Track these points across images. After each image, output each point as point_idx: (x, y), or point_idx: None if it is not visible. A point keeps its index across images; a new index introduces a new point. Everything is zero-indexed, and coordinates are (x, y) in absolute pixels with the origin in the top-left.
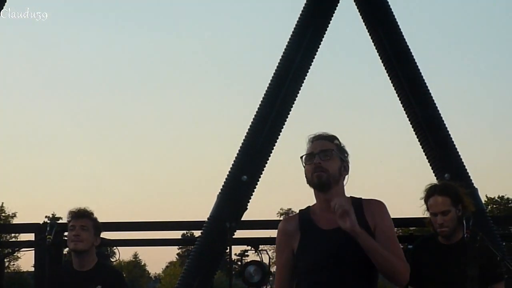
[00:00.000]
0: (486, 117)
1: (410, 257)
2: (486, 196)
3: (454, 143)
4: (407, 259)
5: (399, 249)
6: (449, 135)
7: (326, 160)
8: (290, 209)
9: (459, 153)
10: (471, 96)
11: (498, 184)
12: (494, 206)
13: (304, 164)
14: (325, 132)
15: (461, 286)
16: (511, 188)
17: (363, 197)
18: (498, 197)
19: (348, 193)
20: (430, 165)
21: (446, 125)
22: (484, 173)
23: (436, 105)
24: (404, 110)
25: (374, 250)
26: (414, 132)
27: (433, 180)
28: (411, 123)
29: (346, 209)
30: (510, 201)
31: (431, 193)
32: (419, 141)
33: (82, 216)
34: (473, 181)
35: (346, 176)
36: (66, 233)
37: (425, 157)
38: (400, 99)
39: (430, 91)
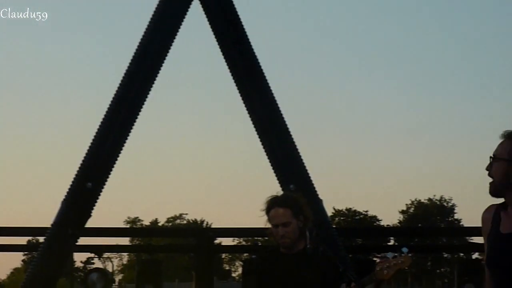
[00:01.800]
0: (335, 130)
1: (255, 268)
2: (334, 208)
3: (301, 155)
4: (249, 269)
5: None
6: (296, 147)
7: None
8: (137, 217)
9: (305, 165)
10: (320, 108)
11: (345, 197)
12: (342, 218)
13: None
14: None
15: None
16: (358, 200)
17: None
18: (346, 209)
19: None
20: (276, 175)
21: (293, 137)
22: (331, 186)
23: (284, 117)
24: (252, 120)
25: None
26: (261, 143)
27: (279, 190)
28: (258, 135)
29: None
30: (357, 214)
31: (271, 205)
32: (265, 151)
33: None
34: (318, 193)
35: None
36: None
37: (271, 167)
38: (247, 109)
39: (278, 104)
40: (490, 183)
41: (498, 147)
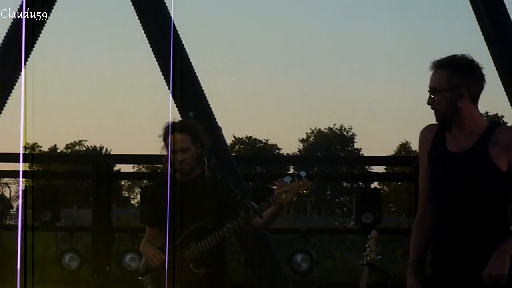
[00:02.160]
0: (236, 56)
1: (148, 195)
2: (234, 136)
3: (200, 82)
4: (145, 196)
5: None
6: (195, 74)
7: None
8: (36, 143)
9: (204, 92)
10: (220, 36)
11: (246, 125)
12: (242, 146)
13: None
14: None
15: (198, 219)
16: (258, 129)
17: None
18: (246, 137)
19: None
20: (175, 102)
21: (193, 64)
22: (230, 113)
23: (183, 43)
24: (151, 47)
25: None
26: (160, 70)
27: (178, 117)
28: (157, 62)
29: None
30: (257, 142)
31: (170, 131)
32: (164, 79)
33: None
34: (217, 120)
35: None
36: None
37: (170, 95)
38: (146, 36)
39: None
40: (436, 114)
41: (434, 79)
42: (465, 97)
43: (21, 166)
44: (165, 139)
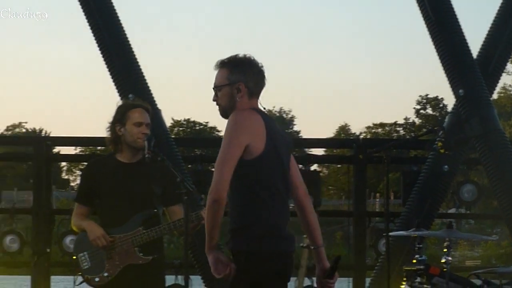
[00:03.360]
0: (174, 39)
1: (83, 174)
2: (173, 119)
3: (139, 65)
4: (86, 173)
5: (216, 165)
6: (135, 57)
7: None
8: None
9: (144, 75)
10: (159, 16)
11: (184, 107)
12: (181, 128)
13: None
14: None
15: (142, 202)
16: (196, 111)
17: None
18: (185, 119)
19: None
20: (115, 85)
21: (133, 49)
22: (170, 96)
23: (123, 26)
24: (91, 29)
25: (207, 234)
26: (100, 53)
27: (119, 100)
28: (98, 44)
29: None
30: (197, 124)
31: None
32: (104, 62)
33: None
34: (156, 103)
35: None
36: None
37: (110, 78)
38: (86, 17)
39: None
40: (219, 109)
41: (217, 77)
42: (243, 92)
43: None
44: (121, 117)
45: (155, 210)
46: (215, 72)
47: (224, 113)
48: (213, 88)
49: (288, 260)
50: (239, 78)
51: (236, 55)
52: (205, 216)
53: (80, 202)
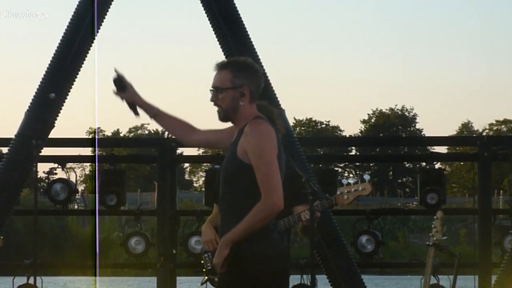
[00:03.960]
0: (295, 40)
1: (213, 176)
2: (294, 118)
3: (263, 65)
4: (213, 180)
5: (267, 175)
6: (257, 55)
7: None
8: (99, 127)
9: (267, 75)
10: (279, 15)
11: (306, 107)
12: (302, 128)
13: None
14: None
15: None
16: (319, 111)
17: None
18: (306, 119)
19: None
20: None
21: (255, 47)
22: (292, 95)
23: (245, 26)
24: (215, 34)
25: (242, 234)
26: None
27: None
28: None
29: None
30: (318, 124)
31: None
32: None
33: None
34: (280, 102)
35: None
36: None
37: None
38: (210, 21)
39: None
40: (219, 111)
41: (217, 78)
42: (246, 96)
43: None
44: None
45: None
46: (214, 73)
47: (225, 116)
48: (213, 89)
49: (288, 256)
50: (244, 82)
51: (236, 58)
52: (256, 218)
53: (211, 203)
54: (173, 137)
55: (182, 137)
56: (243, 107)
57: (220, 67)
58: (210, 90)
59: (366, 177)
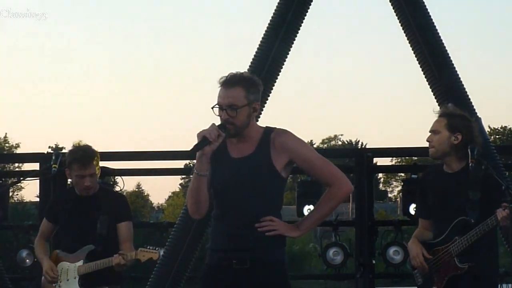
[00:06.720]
0: (489, 47)
1: (418, 187)
2: (489, 127)
3: (458, 73)
4: (415, 189)
5: (326, 165)
6: (453, 65)
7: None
8: None
9: (463, 83)
10: (474, 24)
11: (501, 114)
12: (497, 136)
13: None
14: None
15: (463, 211)
16: None
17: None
18: (501, 127)
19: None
20: (434, 94)
21: (450, 56)
22: (487, 103)
23: (441, 36)
24: (411, 46)
25: (321, 218)
26: (417, 61)
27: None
28: (416, 55)
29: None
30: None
31: (438, 113)
32: (422, 71)
33: (88, 163)
34: (476, 110)
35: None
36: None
37: (429, 87)
38: (406, 34)
39: (435, 24)
40: (230, 128)
41: (231, 96)
42: (257, 111)
43: None
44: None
45: (472, 221)
46: (222, 89)
47: (238, 132)
48: (228, 107)
49: None
50: (256, 97)
51: (243, 73)
52: (331, 204)
53: (419, 216)
54: (366, 146)
55: (202, 213)
56: (253, 122)
57: (232, 84)
58: (222, 108)
59: None
